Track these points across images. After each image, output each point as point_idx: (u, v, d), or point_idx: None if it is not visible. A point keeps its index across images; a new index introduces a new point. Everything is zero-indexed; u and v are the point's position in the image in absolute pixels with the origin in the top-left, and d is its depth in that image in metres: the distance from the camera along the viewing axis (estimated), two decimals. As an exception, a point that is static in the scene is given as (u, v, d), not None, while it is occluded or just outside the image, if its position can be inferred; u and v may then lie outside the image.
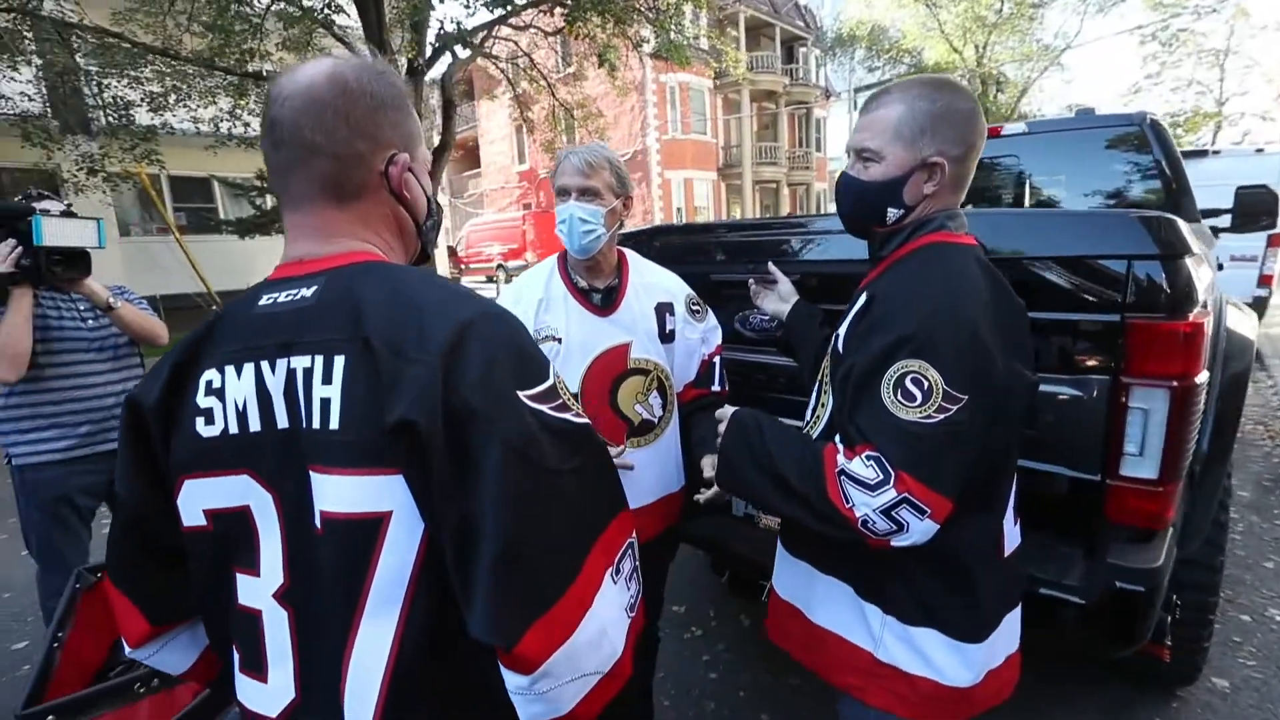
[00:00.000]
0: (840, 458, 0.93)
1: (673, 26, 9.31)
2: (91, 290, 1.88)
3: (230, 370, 0.65)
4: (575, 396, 0.69)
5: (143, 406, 0.69)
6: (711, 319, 1.65)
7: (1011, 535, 1.05)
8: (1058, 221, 1.36)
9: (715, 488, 1.35)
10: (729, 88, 22.63)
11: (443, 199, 21.75)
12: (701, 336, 1.61)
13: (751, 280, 1.65)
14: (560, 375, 0.69)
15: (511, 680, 0.59)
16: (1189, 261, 1.26)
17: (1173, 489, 1.28)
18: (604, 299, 1.51)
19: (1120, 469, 1.30)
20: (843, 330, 1.07)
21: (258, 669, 0.67)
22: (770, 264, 1.62)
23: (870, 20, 23.48)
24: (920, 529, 0.88)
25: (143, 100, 8.58)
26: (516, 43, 10.82)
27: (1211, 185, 4.09)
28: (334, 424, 0.60)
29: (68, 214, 1.80)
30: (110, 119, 8.50)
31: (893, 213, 1.07)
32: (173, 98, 8.67)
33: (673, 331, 1.56)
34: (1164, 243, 1.23)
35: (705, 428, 1.57)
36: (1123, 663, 1.92)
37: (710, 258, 1.94)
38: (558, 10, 9.20)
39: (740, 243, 1.85)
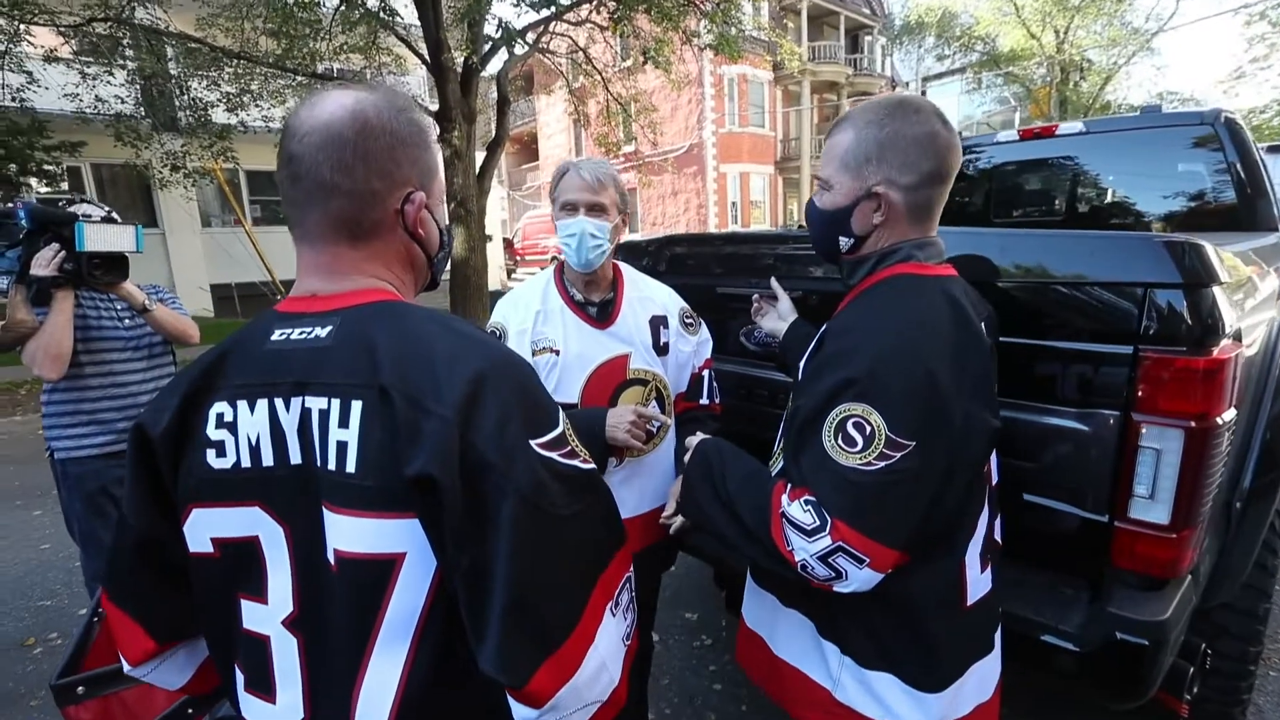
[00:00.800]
0: (784, 499, 0.90)
1: (725, 19, 9.14)
2: (129, 292, 2.02)
3: (243, 405, 0.67)
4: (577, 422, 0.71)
5: (150, 434, 0.70)
6: (704, 332, 1.65)
7: (978, 583, 0.99)
8: (1071, 243, 1.27)
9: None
10: (789, 80, 22.11)
11: (500, 192, 22.22)
12: (694, 349, 1.61)
13: (755, 296, 1.63)
14: (567, 419, 0.71)
15: (520, 712, 0.63)
16: (1217, 290, 1.16)
17: (1187, 535, 1.18)
18: (600, 312, 1.53)
19: (1129, 511, 1.21)
20: (802, 363, 1.04)
21: (265, 689, 0.70)
22: (774, 280, 1.59)
23: (941, 6, 22.46)
24: (860, 577, 0.85)
25: (220, 101, 9.11)
26: (573, 38, 10.88)
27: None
28: (350, 467, 0.62)
29: (108, 220, 1.94)
30: (190, 119, 9.07)
31: (844, 241, 1.04)
32: (246, 98, 9.18)
33: (667, 344, 1.57)
34: (1188, 270, 1.13)
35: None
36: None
37: (717, 270, 1.91)
38: (604, 8, 9.18)
39: (747, 256, 1.82)
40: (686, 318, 1.62)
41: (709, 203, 21.27)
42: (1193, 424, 1.13)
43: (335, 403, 0.64)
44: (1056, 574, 1.35)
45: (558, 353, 1.46)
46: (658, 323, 1.56)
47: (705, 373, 1.64)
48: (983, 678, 1.01)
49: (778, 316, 1.57)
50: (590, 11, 9.98)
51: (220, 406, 0.68)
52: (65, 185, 10.41)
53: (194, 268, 12.58)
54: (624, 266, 1.61)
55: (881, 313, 0.95)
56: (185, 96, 9.09)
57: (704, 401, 1.64)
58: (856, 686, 0.98)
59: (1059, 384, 1.28)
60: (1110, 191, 3.16)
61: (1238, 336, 1.23)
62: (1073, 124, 3.14)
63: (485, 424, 0.60)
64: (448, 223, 0.83)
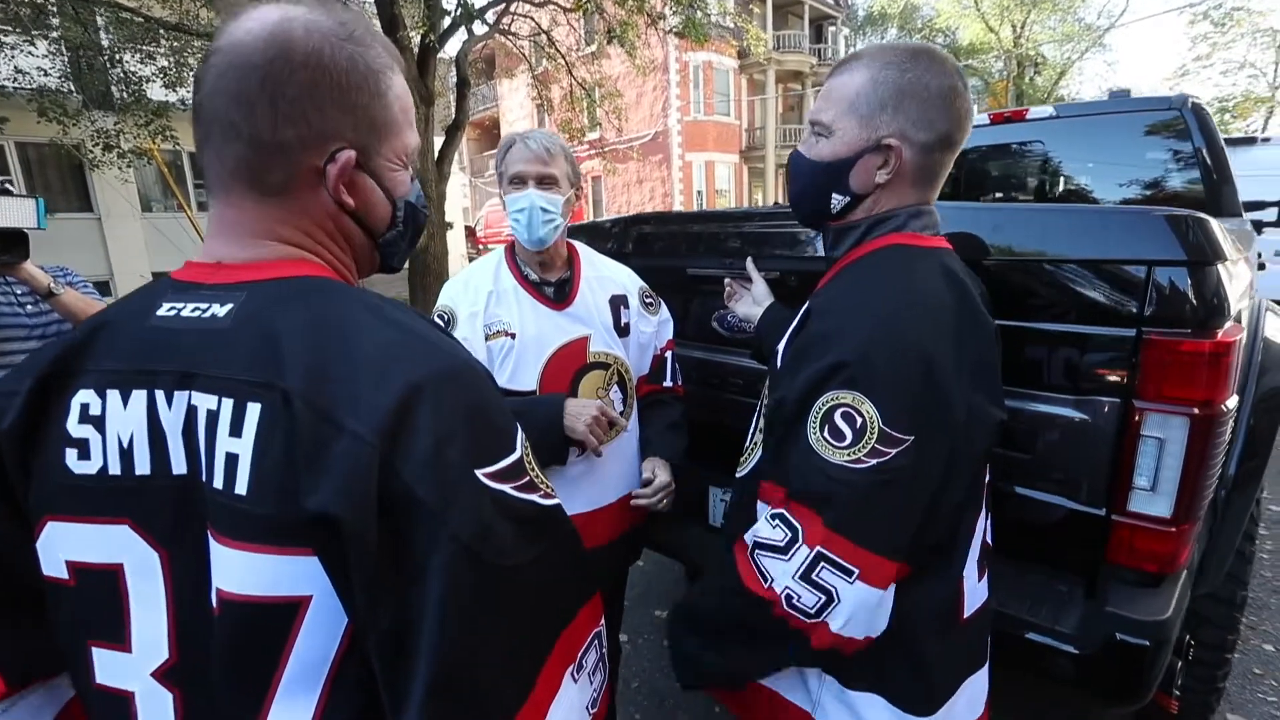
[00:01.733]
0: (748, 535, 0.79)
1: (691, 3, 8.99)
2: (31, 274, 1.78)
3: (114, 396, 0.53)
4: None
5: None
6: (664, 312, 1.57)
7: (975, 593, 0.89)
8: (1069, 219, 1.18)
9: (655, 494, 1.37)
10: (754, 68, 22.06)
11: (461, 178, 21.69)
12: (655, 330, 1.53)
13: (727, 280, 1.51)
14: (526, 442, 0.57)
15: None
16: (1221, 268, 1.09)
17: (1188, 529, 1.12)
18: (557, 292, 1.42)
19: (1128, 504, 1.14)
20: (780, 345, 0.92)
21: None
22: (749, 262, 1.48)
23: (903, -3, 22.68)
24: (855, 597, 0.73)
25: (156, 75, 8.55)
26: (536, 20, 10.57)
27: (1259, 175, 3.80)
28: (240, 488, 0.49)
29: (3, 191, 1.70)
30: (124, 95, 8.49)
31: (837, 199, 0.91)
32: (186, 73, 8.63)
33: (628, 325, 1.48)
34: (1193, 246, 1.05)
35: (653, 426, 1.52)
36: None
37: (688, 250, 1.79)
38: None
39: (719, 235, 1.70)
40: (646, 297, 1.53)
41: (674, 191, 21.13)
42: (1197, 411, 1.06)
43: (227, 403, 0.50)
44: (1047, 570, 1.28)
45: (513, 336, 1.35)
46: (618, 302, 1.47)
47: (668, 354, 1.56)
48: (975, 693, 0.92)
49: (752, 301, 1.46)
50: (553, -8, 9.72)
51: (85, 396, 0.54)
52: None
53: (135, 256, 11.87)
54: (579, 245, 1.51)
55: (873, 288, 0.83)
56: (118, 70, 8.48)
57: (667, 384, 1.57)
58: (839, 708, 0.88)
59: (1053, 369, 1.20)
60: (1080, 175, 3.15)
61: (1238, 319, 1.17)
62: (1043, 108, 3.11)
63: (417, 449, 0.48)
64: (413, 196, 0.66)
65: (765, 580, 0.76)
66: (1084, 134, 3.06)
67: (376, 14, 7.93)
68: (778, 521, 0.76)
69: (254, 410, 0.49)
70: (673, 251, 1.85)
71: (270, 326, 0.51)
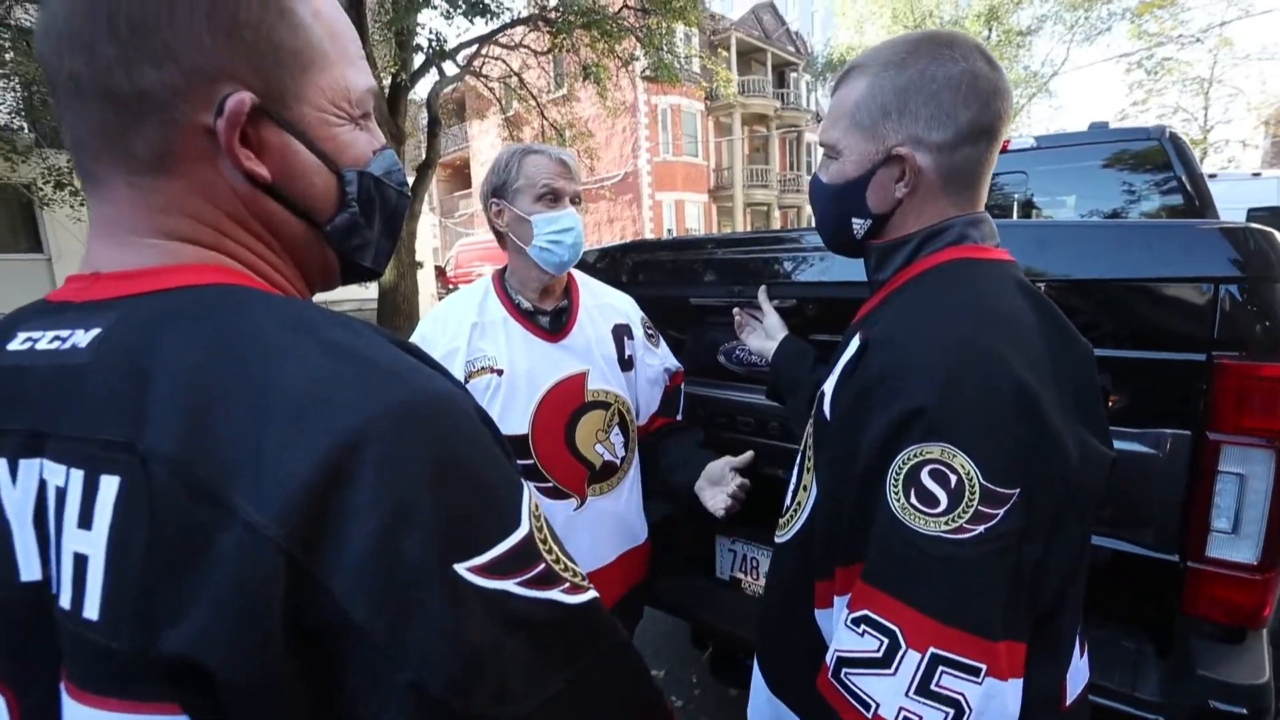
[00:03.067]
0: (828, 654, 0.63)
1: (663, 45, 9.19)
2: None
3: None
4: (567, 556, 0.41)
5: None
6: (665, 345, 1.44)
7: (1079, 673, 0.74)
8: (1116, 235, 1.09)
9: (725, 502, 1.19)
10: (721, 110, 22.68)
11: (432, 219, 21.60)
12: (662, 364, 1.40)
13: (736, 310, 1.39)
14: (538, 508, 0.40)
15: None
16: (1288, 285, 1.00)
17: (1274, 577, 1.00)
18: (553, 322, 1.26)
19: (1206, 549, 1.01)
20: (829, 386, 0.77)
21: None
22: (761, 291, 1.35)
23: (860, 45, 23.71)
24: (986, 698, 0.56)
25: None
26: (507, 62, 10.68)
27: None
28: (91, 609, 0.32)
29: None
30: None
31: (858, 224, 0.80)
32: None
33: (631, 357, 1.33)
34: (1259, 260, 0.96)
35: (679, 453, 1.35)
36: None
37: (691, 278, 1.66)
38: (546, 27, 9.06)
39: (727, 261, 1.58)
40: (648, 328, 1.40)
41: (645, 229, 21.34)
42: (1280, 443, 0.95)
43: (77, 477, 0.33)
44: (1111, 625, 1.14)
45: (500, 373, 1.18)
46: (621, 333, 1.32)
47: (680, 386, 1.44)
48: None
49: (765, 334, 1.32)
50: (525, 35, 9.84)
51: None
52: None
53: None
54: (576, 271, 1.37)
55: (941, 310, 0.69)
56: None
57: (679, 417, 1.44)
58: None
59: (1113, 400, 1.09)
60: (1062, 205, 3.16)
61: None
62: (1024, 139, 3.13)
63: (351, 544, 0.31)
64: (376, 166, 0.49)
65: (869, 708, 0.58)
66: (1066, 164, 3.08)
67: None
68: (865, 626, 0.59)
69: (109, 486, 0.33)
70: (673, 279, 1.72)
71: (141, 360, 0.35)
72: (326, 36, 0.45)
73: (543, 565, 0.37)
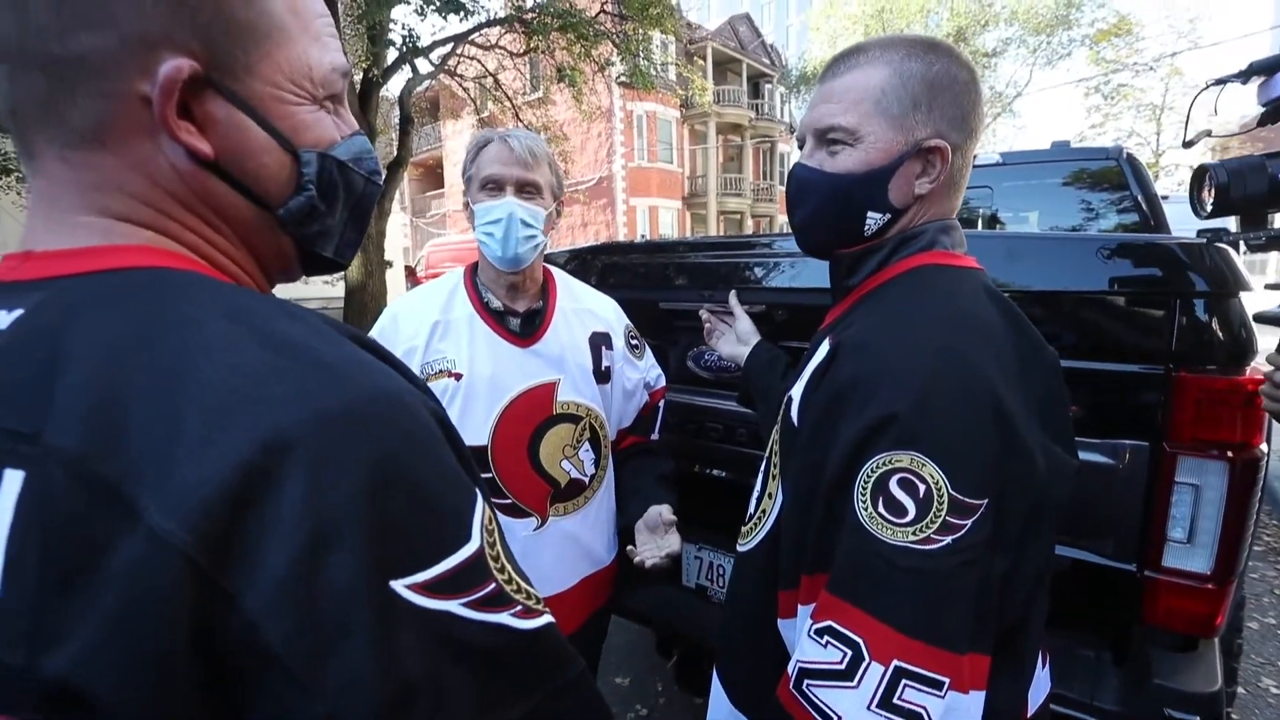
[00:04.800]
0: (790, 664, 0.61)
1: (640, 52, 9.22)
2: None
3: None
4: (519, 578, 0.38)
5: None
6: (649, 357, 1.36)
7: (1040, 683, 0.73)
8: (1078, 248, 1.11)
9: (652, 561, 1.10)
10: (696, 118, 22.87)
11: (403, 218, 21.27)
12: (643, 378, 1.32)
13: (703, 311, 1.35)
14: (493, 521, 0.37)
15: None
16: (1245, 300, 1.02)
17: (1229, 587, 1.02)
18: (524, 325, 1.19)
19: (1163, 559, 1.03)
20: (797, 392, 0.75)
21: None
22: (732, 296, 1.33)
23: (833, 60, 24.22)
24: (950, 714, 0.56)
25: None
26: (483, 62, 10.60)
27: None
28: None
29: None
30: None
31: (874, 218, 0.75)
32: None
33: (609, 369, 1.25)
34: (1216, 276, 0.99)
35: (637, 482, 1.28)
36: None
37: (661, 281, 1.65)
38: (522, 29, 9.02)
39: (698, 265, 1.57)
40: (632, 338, 1.32)
41: (619, 234, 21.36)
42: (1233, 455, 0.97)
43: None
44: (1068, 633, 1.16)
45: (459, 377, 1.11)
46: (599, 341, 1.24)
47: (660, 404, 1.36)
48: None
49: (736, 339, 1.30)
50: (501, 36, 9.77)
51: None
52: None
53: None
54: (556, 270, 1.30)
55: (915, 317, 0.68)
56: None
57: (654, 437, 1.36)
58: None
59: (1074, 410, 1.10)
60: (1024, 219, 3.24)
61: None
62: (990, 155, 3.21)
63: (270, 556, 0.28)
64: (342, 150, 0.46)
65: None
66: (1028, 180, 3.16)
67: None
68: (828, 637, 0.58)
69: (13, 481, 0.29)
70: (642, 283, 1.70)
71: (57, 344, 0.32)
72: (287, 10, 0.42)
73: (493, 585, 0.34)
